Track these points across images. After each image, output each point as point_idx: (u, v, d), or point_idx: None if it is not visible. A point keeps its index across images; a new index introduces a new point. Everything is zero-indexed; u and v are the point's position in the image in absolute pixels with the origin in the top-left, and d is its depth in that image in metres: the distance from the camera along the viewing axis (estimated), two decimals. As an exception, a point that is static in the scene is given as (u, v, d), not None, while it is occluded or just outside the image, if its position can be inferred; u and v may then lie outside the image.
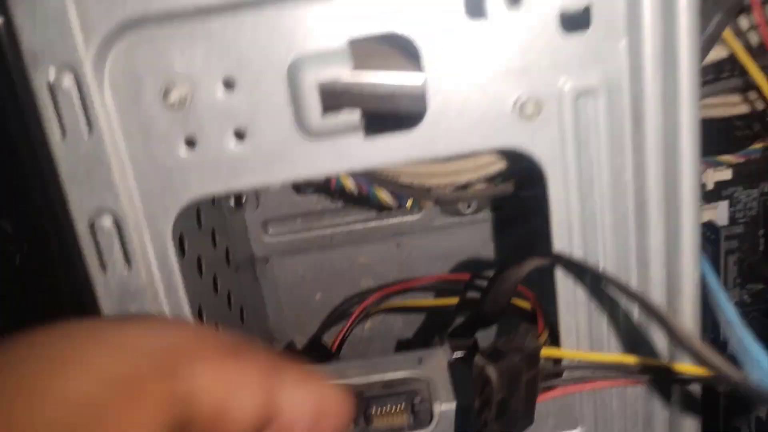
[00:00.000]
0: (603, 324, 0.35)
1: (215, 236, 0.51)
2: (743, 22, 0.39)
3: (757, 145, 0.51)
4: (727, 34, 0.37)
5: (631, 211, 0.34)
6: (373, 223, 0.60)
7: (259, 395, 0.22)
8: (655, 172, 0.32)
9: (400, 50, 0.32)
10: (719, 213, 0.57)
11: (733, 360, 0.32)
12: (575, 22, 0.31)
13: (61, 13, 0.28)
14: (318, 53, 0.31)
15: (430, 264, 0.62)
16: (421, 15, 0.30)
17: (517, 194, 0.44)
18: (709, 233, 0.56)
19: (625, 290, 0.31)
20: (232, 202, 0.56)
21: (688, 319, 0.34)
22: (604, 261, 0.34)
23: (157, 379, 0.20)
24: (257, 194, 0.56)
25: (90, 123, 0.30)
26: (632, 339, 0.35)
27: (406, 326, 0.64)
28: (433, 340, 0.41)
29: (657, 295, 0.34)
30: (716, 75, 0.42)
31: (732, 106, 0.46)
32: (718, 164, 0.52)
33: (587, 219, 0.34)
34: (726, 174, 0.53)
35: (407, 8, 0.30)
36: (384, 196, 0.44)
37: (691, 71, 0.30)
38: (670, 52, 0.30)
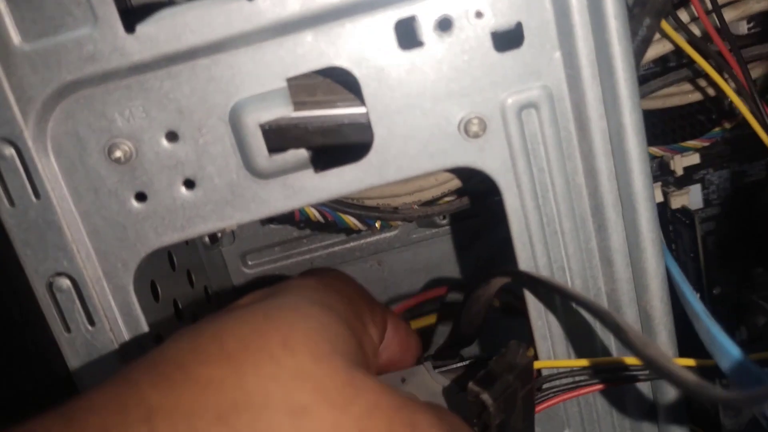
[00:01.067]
0: (575, 329, 0.36)
1: (191, 276, 0.51)
2: (684, 15, 0.39)
3: (720, 128, 0.52)
4: (668, 28, 0.37)
5: (588, 213, 0.34)
6: (351, 244, 0.60)
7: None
8: (607, 173, 0.33)
9: (340, 82, 0.33)
10: (692, 197, 0.57)
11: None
12: (508, 40, 0.31)
13: (-5, 87, 0.29)
14: (257, 96, 0.31)
15: (412, 277, 0.62)
16: (356, 49, 0.31)
17: (484, 203, 0.45)
18: (684, 218, 0.57)
19: (583, 303, 0.31)
20: (207, 239, 0.56)
21: (659, 313, 0.34)
22: (568, 264, 0.34)
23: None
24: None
25: (36, 189, 0.30)
26: (606, 340, 0.36)
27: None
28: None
29: (624, 293, 0.35)
30: (663, 67, 0.42)
31: (687, 93, 0.46)
32: (685, 150, 0.52)
33: (546, 225, 0.34)
34: (694, 158, 0.53)
35: (343, 44, 0.30)
36: (350, 220, 0.44)
37: (628, 73, 0.30)
38: (604, 57, 0.30)
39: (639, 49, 0.31)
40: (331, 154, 0.33)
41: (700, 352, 0.34)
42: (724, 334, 0.29)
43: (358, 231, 0.51)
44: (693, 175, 0.56)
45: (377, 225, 0.45)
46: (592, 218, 0.34)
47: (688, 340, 0.36)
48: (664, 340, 0.34)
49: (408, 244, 0.61)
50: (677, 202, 0.56)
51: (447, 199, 0.46)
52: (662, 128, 0.53)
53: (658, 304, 0.34)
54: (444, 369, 0.40)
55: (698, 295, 0.36)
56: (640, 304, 0.34)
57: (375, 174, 0.32)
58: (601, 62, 0.31)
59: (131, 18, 0.29)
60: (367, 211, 0.44)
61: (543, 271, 0.34)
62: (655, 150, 0.51)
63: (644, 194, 0.32)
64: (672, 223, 0.58)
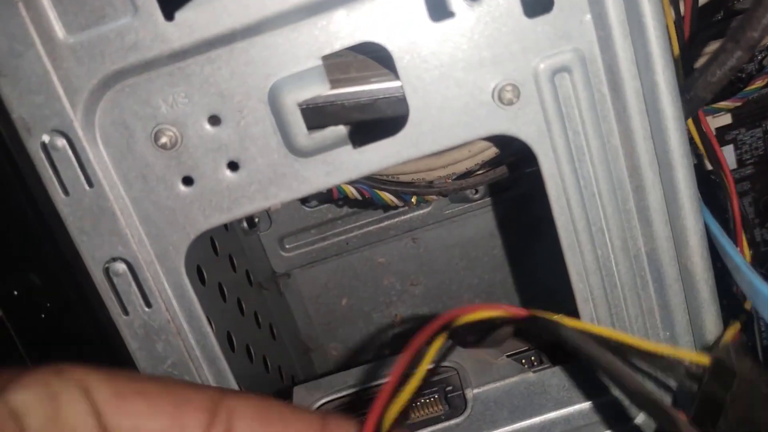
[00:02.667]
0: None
1: (233, 260, 0.52)
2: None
3: (753, 86, 0.51)
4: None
5: (625, 174, 0.34)
6: (385, 222, 0.61)
7: None
8: (643, 133, 0.33)
9: (374, 57, 0.33)
10: (726, 158, 0.57)
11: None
12: (538, 5, 0.31)
13: (45, 80, 0.30)
14: (294, 75, 0.32)
15: (447, 253, 0.63)
16: (388, 24, 0.31)
17: (517, 173, 0.45)
18: (718, 180, 0.56)
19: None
20: (245, 225, 0.57)
21: (699, 269, 0.34)
22: (607, 226, 0.35)
23: None
24: (268, 213, 0.58)
25: (88, 178, 0.31)
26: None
27: (434, 317, 0.64)
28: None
29: (665, 252, 0.35)
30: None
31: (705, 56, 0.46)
32: (716, 111, 0.52)
33: (584, 188, 0.34)
34: (726, 119, 0.53)
35: (375, 19, 0.31)
36: (387, 196, 0.45)
37: (659, 31, 0.30)
38: (635, 17, 0.30)
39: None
40: (368, 129, 0.34)
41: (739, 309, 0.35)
42: (765, 284, 0.29)
43: (395, 207, 0.51)
44: (725, 136, 0.56)
45: (413, 200, 0.46)
46: (629, 179, 0.34)
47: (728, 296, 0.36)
48: (705, 297, 0.35)
49: (441, 221, 0.62)
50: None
51: (481, 171, 0.46)
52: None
53: (699, 261, 0.34)
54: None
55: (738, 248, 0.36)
56: (680, 261, 0.35)
57: (412, 146, 0.33)
58: (631, 22, 0.31)
59: (170, 5, 0.30)
60: (403, 187, 0.45)
61: (582, 235, 0.35)
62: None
63: (680, 151, 0.32)
64: (706, 184, 0.57)
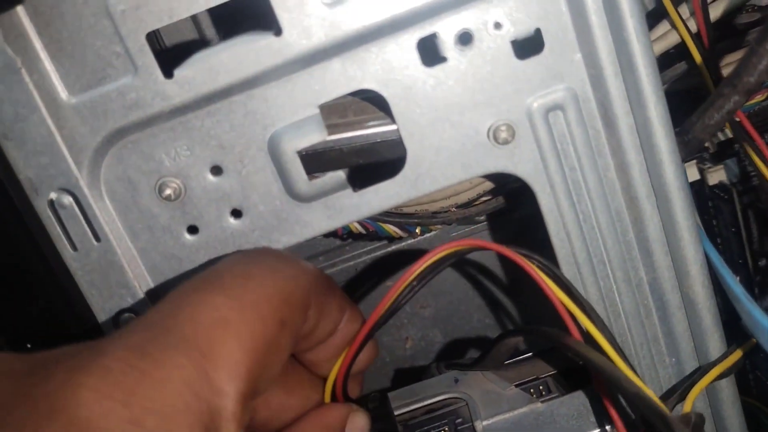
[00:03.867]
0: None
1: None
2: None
3: (753, 100, 0.52)
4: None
5: (623, 206, 0.34)
6: (393, 247, 0.61)
7: (331, 325, 0.31)
8: (638, 167, 0.33)
9: (370, 100, 0.34)
10: (728, 172, 0.57)
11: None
12: (528, 47, 0.32)
13: (50, 142, 0.31)
14: (292, 124, 0.32)
15: (455, 275, 0.63)
16: (382, 71, 0.32)
17: (518, 201, 0.45)
18: (723, 194, 0.56)
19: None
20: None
21: (701, 298, 0.35)
22: (608, 257, 0.35)
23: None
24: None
25: (96, 233, 0.32)
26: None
27: (446, 339, 0.65)
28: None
29: (666, 281, 0.35)
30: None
31: (731, 65, 0.47)
32: (718, 126, 0.52)
33: (583, 222, 0.35)
34: (726, 133, 0.53)
35: (369, 67, 0.32)
36: (391, 229, 0.45)
37: (649, 69, 0.31)
38: (625, 55, 0.31)
39: (723, 119, 0.32)
40: (367, 172, 0.34)
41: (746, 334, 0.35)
42: (765, 315, 0.29)
43: (400, 238, 0.52)
44: (727, 150, 0.56)
45: (417, 231, 0.46)
46: (627, 211, 0.34)
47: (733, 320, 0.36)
48: (708, 323, 0.35)
49: (448, 241, 0.62)
50: (714, 178, 0.55)
51: (483, 199, 0.47)
52: (691, 106, 0.53)
53: (700, 290, 0.34)
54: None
55: (738, 277, 0.36)
56: (682, 291, 0.35)
57: (411, 187, 0.34)
58: (621, 60, 0.31)
59: (169, 64, 0.31)
60: (406, 218, 0.45)
61: (583, 267, 0.35)
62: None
63: (676, 184, 0.33)
64: (711, 199, 0.58)
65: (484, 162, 0.33)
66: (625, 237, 0.35)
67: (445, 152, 0.33)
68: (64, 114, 0.31)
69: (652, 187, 0.34)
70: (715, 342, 0.35)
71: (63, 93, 0.31)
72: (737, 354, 0.34)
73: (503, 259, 0.62)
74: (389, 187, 0.34)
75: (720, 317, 0.35)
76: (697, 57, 0.42)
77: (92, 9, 0.30)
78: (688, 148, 0.33)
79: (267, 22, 0.31)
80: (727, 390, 0.36)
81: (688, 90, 0.48)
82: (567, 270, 0.35)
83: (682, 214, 0.33)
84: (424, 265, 0.32)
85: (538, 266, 0.32)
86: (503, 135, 0.33)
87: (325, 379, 0.33)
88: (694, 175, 0.54)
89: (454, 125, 0.33)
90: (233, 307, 0.25)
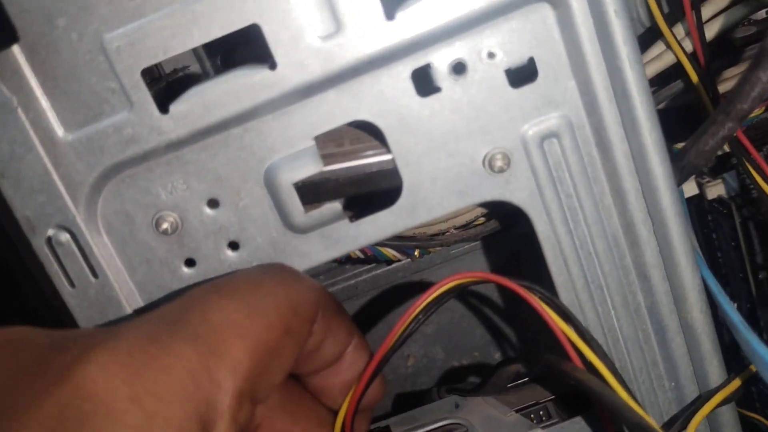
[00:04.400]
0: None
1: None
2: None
3: (752, 114, 0.52)
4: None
5: (620, 232, 0.34)
6: (393, 265, 0.61)
7: (338, 347, 0.32)
8: (634, 192, 0.33)
9: (366, 127, 0.34)
10: (727, 186, 0.57)
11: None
12: (522, 75, 0.32)
13: (47, 180, 0.31)
14: (288, 156, 0.32)
15: (457, 291, 0.63)
16: (377, 102, 0.32)
17: (516, 219, 0.45)
18: (721, 208, 0.56)
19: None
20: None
21: (700, 323, 0.35)
22: (605, 283, 0.35)
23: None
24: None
25: (93, 269, 0.32)
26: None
27: (447, 357, 0.65)
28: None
29: (664, 306, 0.35)
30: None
31: (728, 80, 0.47)
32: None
33: (580, 248, 0.35)
34: (726, 146, 0.53)
35: (363, 98, 0.32)
36: (390, 252, 0.45)
37: (643, 96, 0.31)
38: (619, 82, 0.31)
39: (717, 145, 0.32)
40: (364, 201, 0.34)
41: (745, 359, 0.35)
42: (762, 344, 0.29)
43: (399, 260, 0.52)
44: (726, 162, 0.56)
45: (416, 253, 0.46)
46: (624, 236, 0.34)
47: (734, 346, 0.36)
48: (707, 348, 0.35)
49: (449, 260, 0.62)
50: (713, 192, 0.55)
51: (481, 219, 0.47)
52: (690, 122, 0.53)
53: (698, 315, 0.34)
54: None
55: (735, 305, 0.36)
56: (680, 316, 0.35)
57: (407, 217, 0.34)
58: (615, 87, 0.31)
59: (164, 99, 0.31)
60: (405, 242, 0.45)
61: (581, 294, 0.35)
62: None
63: (672, 209, 0.33)
64: (710, 213, 0.58)
65: (480, 190, 0.33)
66: (623, 262, 0.35)
67: (441, 181, 0.33)
68: (61, 151, 0.31)
69: (648, 212, 0.34)
70: (714, 367, 0.35)
71: (59, 130, 0.31)
72: (737, 382, 0.34)
73: (503, 274, 0.62)
74: (386, 217, 0.34)
75: (718, 342, 0.35)
76: (694, 77, 0.42)
77: (87, 46, 0.30)
78: (683, 174, 0.33)
79: (262, 55, 0.31)
80: (728, 415, 0.36)
81: (687, 106, 0.48)
82: (565, 296, 0.35)
83: (679, 239, 0.33)
84: (429, 299, 0.32)
85: (539, 297, 0.32)
86: (499, 163, 0.33)
87: (333, 413, 0.34)
88: (692, 189, 0.54)
89: (450, 154, 0.33)
90: (242, 311, 0.27)
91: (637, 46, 0.31)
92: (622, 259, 0.35)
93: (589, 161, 0.33)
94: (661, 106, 0.46)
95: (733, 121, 0.30)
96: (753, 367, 0.33)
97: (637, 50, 0.30)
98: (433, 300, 0.32)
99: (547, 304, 0.32)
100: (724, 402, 0.34)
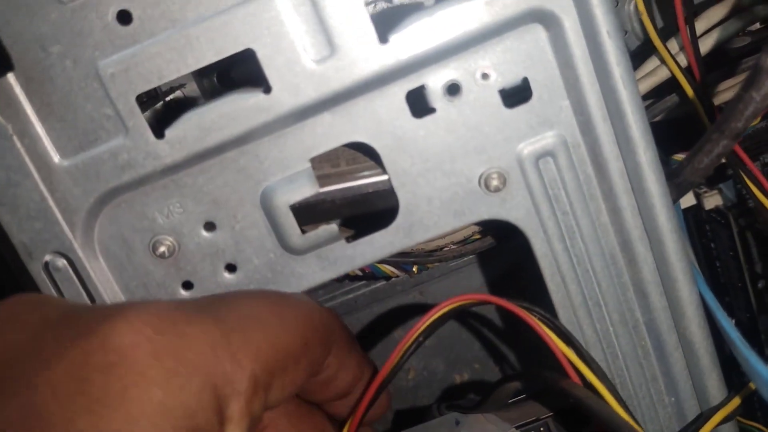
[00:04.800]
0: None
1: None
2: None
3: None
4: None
5: (617, 249, 0.35)
6: (392, 279, 0.61)
7: (350, 379, 0.33)
8: (630, 210, 0.33)
9: (363, 147, 0.34)
10: (724, 194, 0.57)
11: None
12: (517, 95, 0.32)
13: (43, 206, 0.31)
14: (285, 179, 0.32)
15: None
16: (372, 124, 0.32)
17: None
18: (719, 218, 0.56)
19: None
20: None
21: (698, 338, 0.35)
22: (603, 300, 0.35)
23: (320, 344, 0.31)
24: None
25: (90, 294, 0.32)
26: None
27: (448, 370, 0.65)
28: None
29: (663, 322, 0.35)
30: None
31: (723, 92, 0.47)
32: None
33: (577, 265, 0.35)
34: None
35: (359, 120, 0.32)
36: (388, 269, 0.45)
37: (637, 115, 0.31)
38: (613, 102, 0.31)
39: (712, 162, 0.32)
40: (360, 222, 0.34)
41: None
42: (761, 361, 0.29)
43: (397, 276, 0.52)
44: (723, 172, 0.56)
45: (414, 270, 0.46)
46: (621, 254, 0.34)
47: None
48: (706, 363, 0.35)
49: (447, 273, 0.62)
50: (710, 203, 0.55)
51: (479, 235, 0.47)
52: (688, 132, 0.53)
53: (696, 330, 0.34)
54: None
55: (733, 321, 0.36)
56: (679, 331, 0.35)
57: (404, 237, 0.34)
58: (609, 106, 0.31)
59: (159, 124, 0.31)
60: (403, 258, 0.45)
61: (579, 310, 0.35)
62: (681, 156, 0.51)
63: (668, 226, 0.33)
64: (708, 223, 0.58)
65: (477, 210, 0.33)
66: (620, 279, 0.35)
67: (437, 201, 0.33)
68: (57, 177, 0.31)
69: (645, 229, 0.34)
70: (713, 381, 0.35)
71: (55, 156, 0.31)
72: (737, 401, 0.34)
73: (501, 287, 0.62)
74: (382, 237, 0.34)
75: (717, 357, 0.35)
76: (689, 91, 0.42)
77: (82, 73, 0.30)
78: (679, 191, 0.34)
79: (259, 74, 0.31)
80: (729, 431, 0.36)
81: (686, 116, 0.48)
82: (563, 313, 0.35)
83: (676, 256, 0.33)
84: (429, 321, 0.33)
85: (539, 318, 0.32)
86: (495, 183, 0.33)
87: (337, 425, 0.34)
88: (690, 200, 0.54)
89: (446, 174, 0.33)
90: (269, 311, 0.28)
91: (630, 66, 0.31)
92: (620, 276, 0.35)
93: (584, 179, 0.33)
94: (657, 118, 0.46)
95: (728, 138, 0.30)
96: (752, 385, 0.33)
97: (630, 70, 0.30)
98: (432, 323, 0.32)
99: (547, 325, 0.32)
100: (725, 420, 0.34)
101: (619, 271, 0.35)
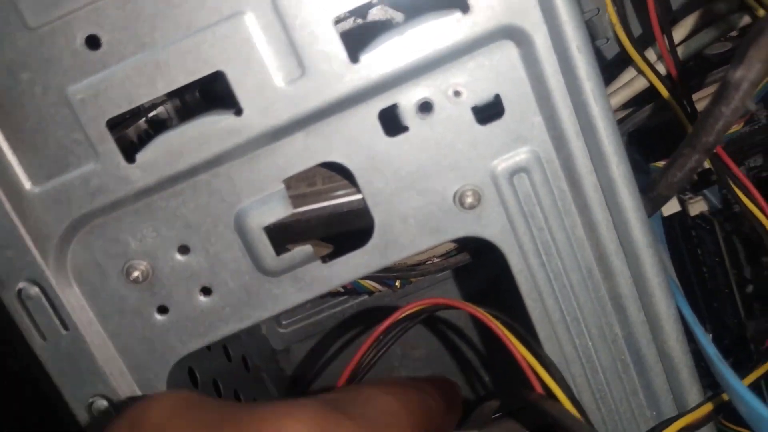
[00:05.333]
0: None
1: (228, 349, 0.52)
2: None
3: (731, 130, 0.52)
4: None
5: (594, 264, 0.34)
6: (380, 292, 0.61)
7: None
8: (605, 224, 0.33)
9: (337, 172, 0.34)
10: (708, 201, 0.57)
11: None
12: (489, 112, 0.32)
13: (14, 235, 0.31)
14: (258, 200, 0.32)
15: (445, 314, 0.63)
16: (345, 143, 0.32)
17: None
18: (704, 224, 0.56)
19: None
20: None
21: (677, 353, 0.35)
22: (582, 315, 0.35)
23: None
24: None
25: (63, 322, 0.32)
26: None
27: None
28: None
29: (641, 336, 0.35)
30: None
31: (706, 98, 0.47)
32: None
33: (554, 280, 0.35)
34: (706, 162, 0.53)
35: (332, 140, 0.32)
36: (370, 284, 0.45)
37: (609, 129, 0.31)
38: (584, 117, 0.31)
39: (686, 176, 0.32)
40: (343, 239, 0.34)
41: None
42: (738, 380, 0.29)
43: (380, 291, 0.52)
44: (707, 178, 0.56)
45: (397, 284, 0.46)
46: (597, 268, 0.34)
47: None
48: (686, 377, 0.35)
49: (434, 283, 0.62)
50: (695, 209, 0.55)
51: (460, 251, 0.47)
52: (669, 139, 0.54)
53: (675, 344, 0.34)
54: None
55: (710, 336, 0.36)
56: (657, 345, 0.35)
57: (380, 256, 0.34)
58: (581, 121, 0.31)
59: (130, 149, 0.31)
60: (385, 273, 0.45)
61: (558, 326, 0.35)
62: (661, 164, 0.51)
63: (644, 241, 0.33)
64: (694, 229, 0.58)
65: (452, 228, 0.33)
66: (598, 294, 0.35)
67: (412, 220, 0.33)
68: (28, 204, 0.31)
69: (620, 243, 0.34)
70: (693, 394, 0.35)
71: (26, 183, 0.31)
72: (707, 407, 0.34)
73: (490, 296, 0.62)
74: (358, 257, 0.34)
75: (696, 370, 0.35)
76: (669, 98, 0.42)
77: (52, 99, 0.30)
78: (654, 205, 0.34)
79: (227, 101, 0.31)
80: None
81: (666, 123, 0.48)
82: (541, 328, 0.35)
83: (652, 270, 0.33)
84: (386, 324, 0.34)
85: (502, 323, 0.33)
86: (469, 200, 0.33)
87: None
88: (674, 206, 0.54)
89: (420, 192, 0.33)
90: (400, 405, 0.31)
91: (601, 80, 0.31)
92: (597, 290, 0.35)
93: (559, 195, 0.33)
94: (634, 128, 0.46)
95: (699, 153, 0.30)
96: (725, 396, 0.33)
97: (601, 84, 0.30)
98: (395, 324, 0.34)
99: (508, 329, 0.32)
100: (692, 427, 0.34)
101: (596, 285, 0.35)
